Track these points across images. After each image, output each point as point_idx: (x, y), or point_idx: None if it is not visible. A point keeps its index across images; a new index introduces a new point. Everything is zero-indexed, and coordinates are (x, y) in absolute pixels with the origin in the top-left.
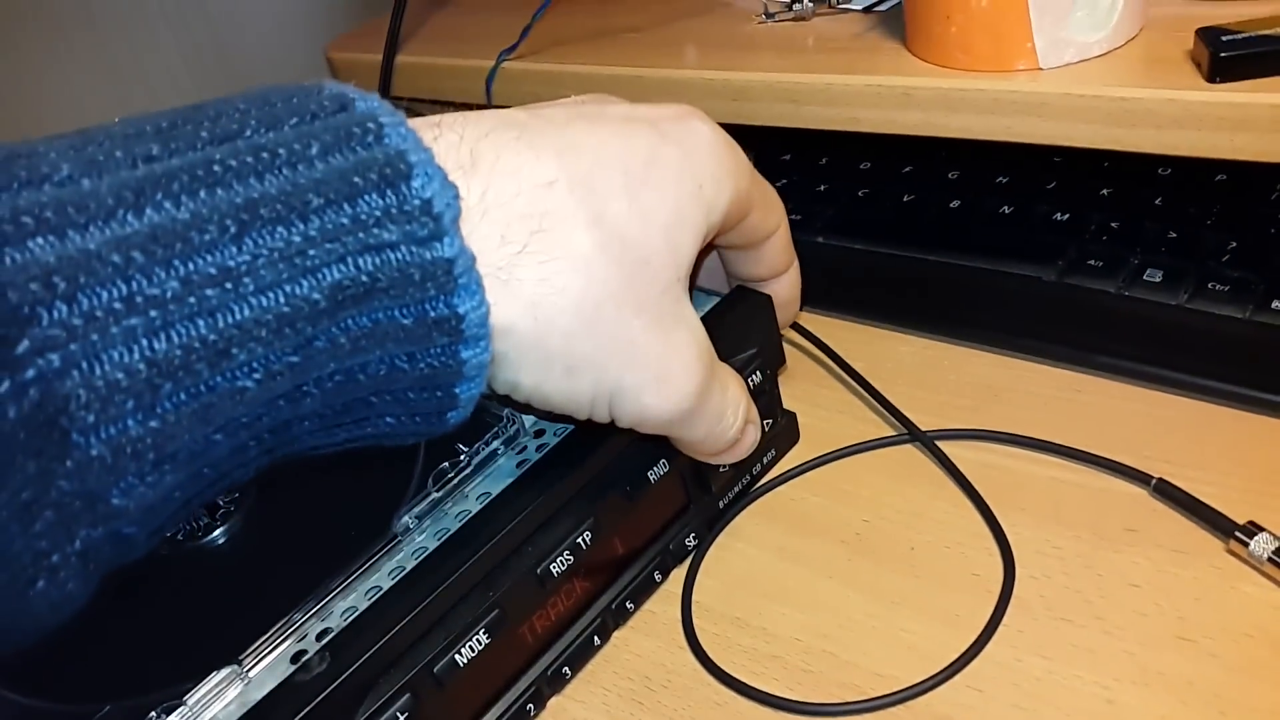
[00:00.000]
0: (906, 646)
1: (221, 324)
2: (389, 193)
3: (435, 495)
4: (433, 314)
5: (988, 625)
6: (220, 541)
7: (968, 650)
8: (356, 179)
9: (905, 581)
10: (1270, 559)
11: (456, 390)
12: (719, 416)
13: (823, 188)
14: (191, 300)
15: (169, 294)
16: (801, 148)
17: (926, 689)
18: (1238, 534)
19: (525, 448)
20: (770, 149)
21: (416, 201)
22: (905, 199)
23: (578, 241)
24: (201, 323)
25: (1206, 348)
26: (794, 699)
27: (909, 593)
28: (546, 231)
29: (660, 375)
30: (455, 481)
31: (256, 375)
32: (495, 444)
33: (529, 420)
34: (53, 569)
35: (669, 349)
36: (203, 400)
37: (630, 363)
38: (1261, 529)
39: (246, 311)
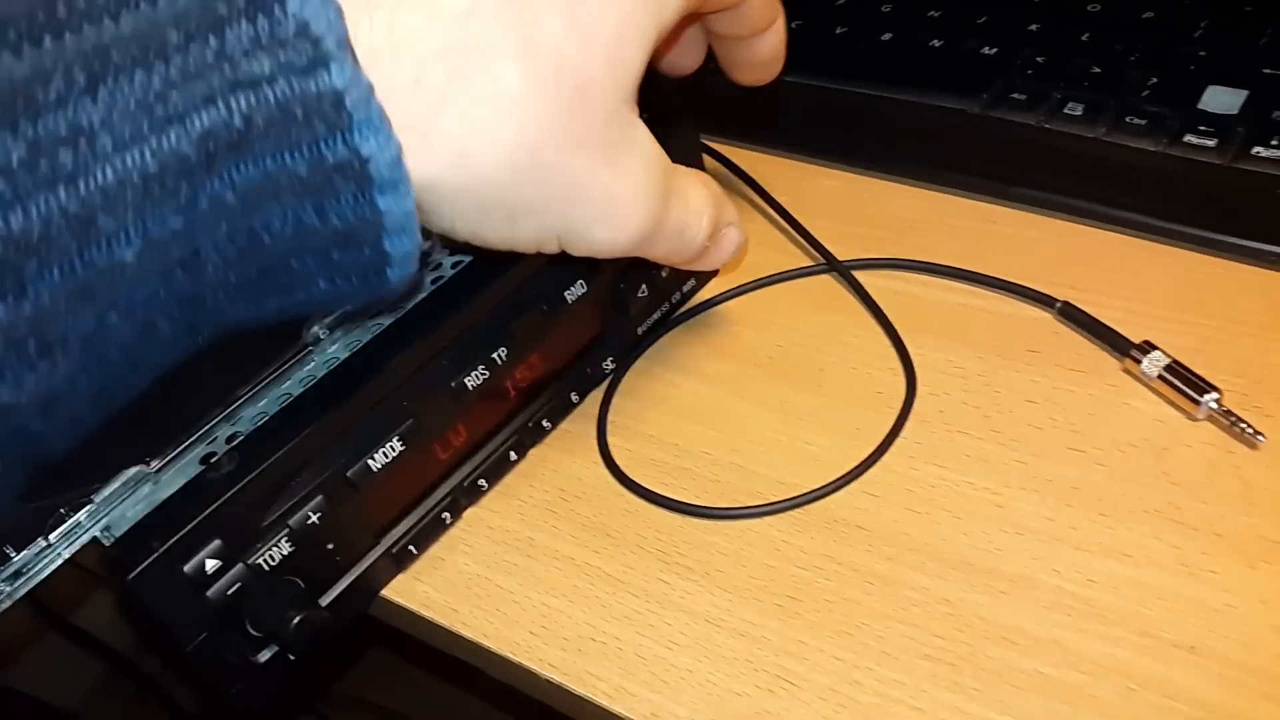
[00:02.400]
0: (810, 458)
1: (82, 190)
2: (260, 18)
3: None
4: (331, 157)
5: (886, 437)
6: None
7: (865, 459)
8: (221, 7)
9: (813, 400)
10: (1160, 376)
11: (385, 246)
12: (680, 231)
13: None
14: (43, 166)
15: (15, 162)
16: None
17: (824, 494)
18: (1133, 353)
19: (440, 264)
20: None
21: (292, 25)
22: (837, 31)
23: (506, 78)
24: (61, 191)
25: (1120, 180)
26: (699, 504)
27: (816, 410)
28: (467, 72)
29: (609, 210)
30: None
31: (134, 246)
32: None
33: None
34: None
35: (616, 182)
36: (78, 278)
37: (574, 202)
38: (1155, 348)
39: (109, 174)
